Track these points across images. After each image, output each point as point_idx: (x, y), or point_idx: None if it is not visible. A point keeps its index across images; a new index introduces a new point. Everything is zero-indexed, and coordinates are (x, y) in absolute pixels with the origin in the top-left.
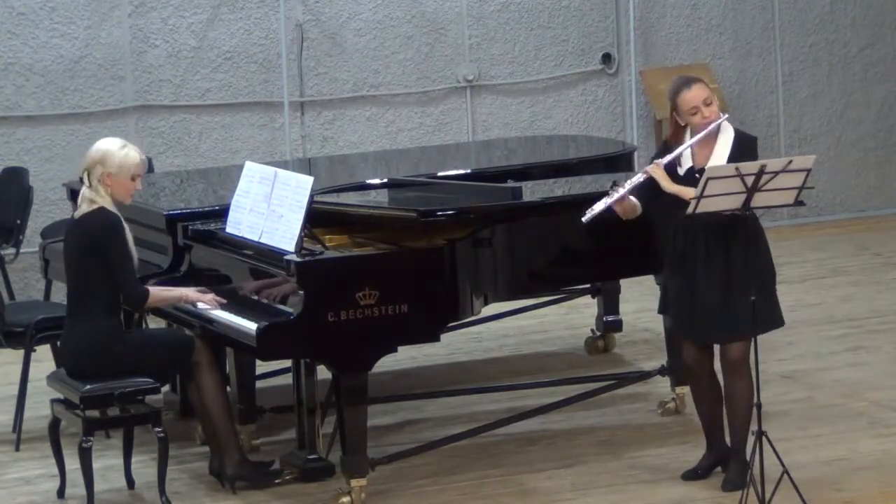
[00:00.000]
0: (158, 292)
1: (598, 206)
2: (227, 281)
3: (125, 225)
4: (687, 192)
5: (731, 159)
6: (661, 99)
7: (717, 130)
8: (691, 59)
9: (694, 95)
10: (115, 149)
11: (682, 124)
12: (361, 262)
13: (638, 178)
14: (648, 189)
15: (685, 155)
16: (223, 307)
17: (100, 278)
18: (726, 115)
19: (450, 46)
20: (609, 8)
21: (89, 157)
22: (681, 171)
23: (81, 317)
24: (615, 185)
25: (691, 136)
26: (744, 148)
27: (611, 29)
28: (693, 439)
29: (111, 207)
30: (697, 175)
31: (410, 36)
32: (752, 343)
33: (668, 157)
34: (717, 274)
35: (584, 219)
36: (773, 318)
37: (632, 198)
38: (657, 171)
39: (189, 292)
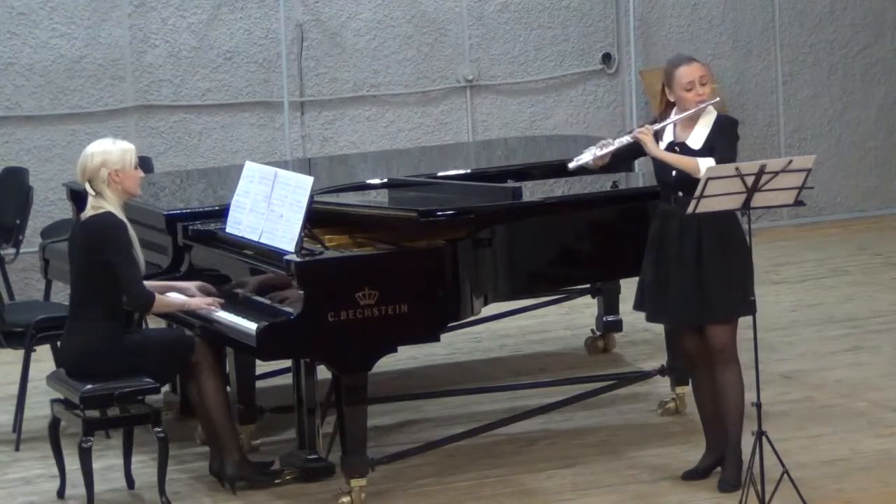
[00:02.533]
0: (163, 299)
1: (585, 157)
2: (227, 281)
3: (131, 229)
4: (669, 158)
5: (710, 137)
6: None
7: (700, 111)
8: None
9: (691, 72)
10: (109, 146)
11: (672, 100)
12: (361, 262)
13: (626, 138)
14: (631, 151)
15: (667, 130)
16: (223, 307)
17: (102, 280)
18: (717, 99)
19: (450, 46)
20: (609, 8)
21: (88, 166)
22: (662, 144)
23: (83, 317)
24: (606, 142)
25: (677, 114)
26: (723, 127)
27: (611, 29)
28: (693, 439)
29: (118, 212)
30: (677, 149)
31: (410, 36)
32: (754, 343)
33: (658, 126)
34: (688, 258)
35: (570, 166)
36: (737, 305)
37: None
38: (646, 135)
39: (192, 302)
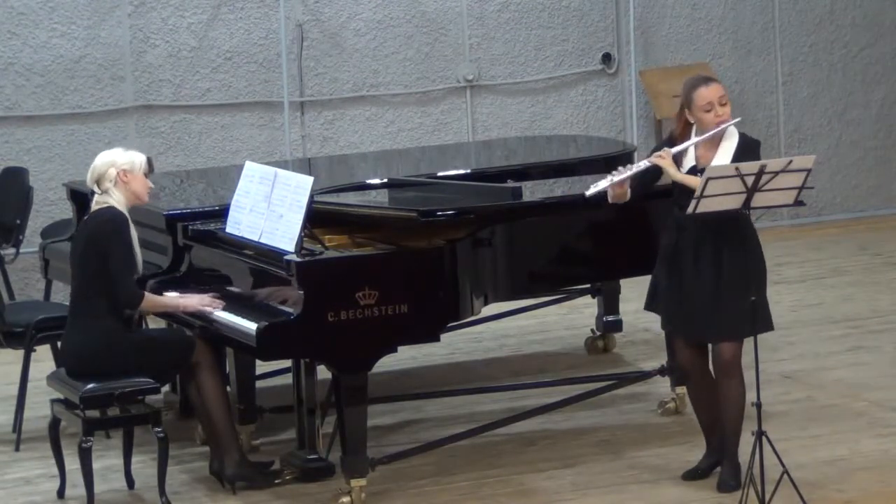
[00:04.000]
0: (154, 298)
1: (602, 184)
2: (228, 281)
3: (132, 227)
4: (691, 181)
5: (734, 161)
6: (660, 99)
7: (723, 131)
8: (691, 59)
9: (711, 92)
10: (120, 151)
11: (691, 121)
12: (361, 262)
13: (643, 163)
14: (647, 177)
15: (689, 154)
16: (223, 307)
17: (103, 278)
18: (738, 119)
19: (450, 46)
20: (609, 8)
21: (97, 168)
22: (683, 169)
23: (84, 316)
24: (622, 169)
25: (696, 135)
26: (747, 151)
27: (611, 29)
28: (693, 439)
29: (121, 208)
30: (699, 174)
31: (410, 36)
32: (754, 343)
33: (677, 149)
34: (705, 273)
35: (587, 193)
36: (762, 321)
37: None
38: (665, 160)
39: (189, 302)
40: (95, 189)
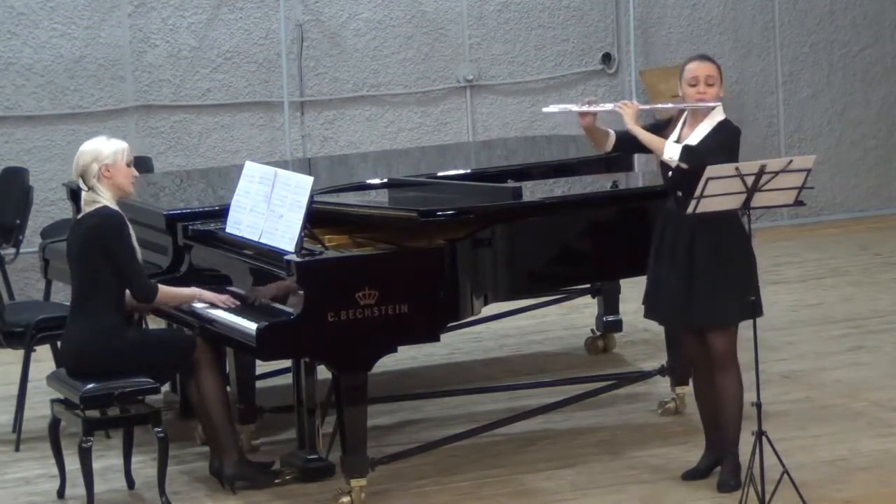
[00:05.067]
0: (169, 290)
1: (562, 106)
2: (228, 281)
3: (128, 223)
4: (641, 135)
5: (707, 139)
6: (661, 99)
7: (707, 112)
8: None
9: (699, 69)
10: (102, 142)
11: (680, 95)
12: (361, 262)
13: (609, 105)
14: (631, 141)
15: (675, 132)
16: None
17: (103, 276)
18: (720, 103)
19: (450, 46)
20: (609, 8)
21: (80, 162)
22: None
23: (84, 315)
24: (588, 101)
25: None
26: (722, 132)
27: (611, 29)
28: (693, 439)
29: (113, 206)
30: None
31: (410, 36)
32: (754, 343)
33: (649, 106)
34: (681, 261)
35: (544, 109)
36: (735, 311)
37: (610, 131)
38: (628, 108)
39: (204, 292)
40: (80, 184)
